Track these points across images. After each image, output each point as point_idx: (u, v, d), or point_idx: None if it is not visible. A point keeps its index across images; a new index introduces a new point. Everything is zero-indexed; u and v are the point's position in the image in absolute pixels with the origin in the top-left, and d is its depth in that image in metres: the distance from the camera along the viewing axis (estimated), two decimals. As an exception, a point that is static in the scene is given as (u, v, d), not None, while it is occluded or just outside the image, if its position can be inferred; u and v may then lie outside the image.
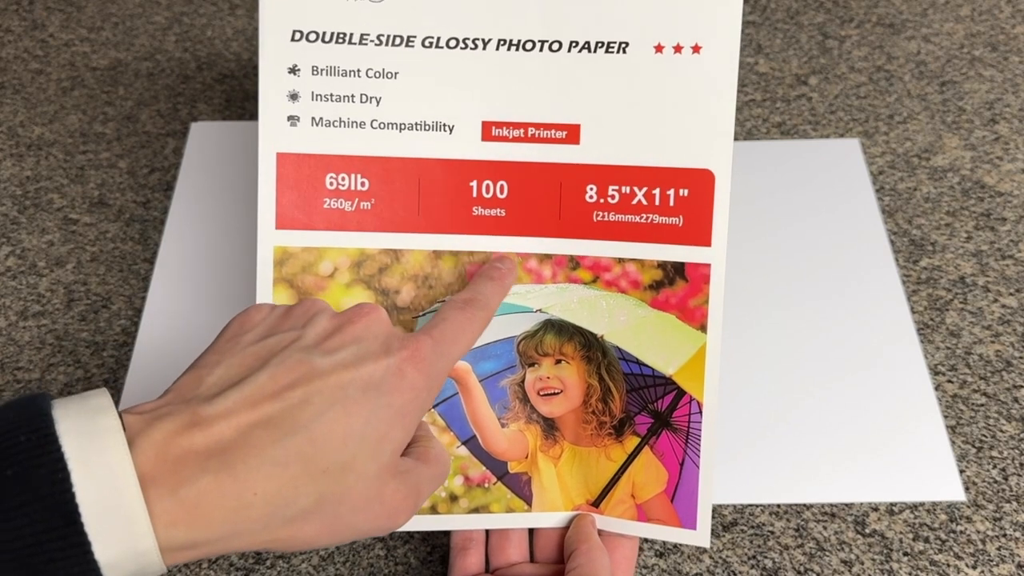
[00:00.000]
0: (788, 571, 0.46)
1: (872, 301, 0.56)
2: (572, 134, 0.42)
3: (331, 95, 0.42)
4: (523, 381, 0.43)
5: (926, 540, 0.47)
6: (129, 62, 0.74)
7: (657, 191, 0.42)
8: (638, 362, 0.43)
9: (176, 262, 0.59)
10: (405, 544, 0.48)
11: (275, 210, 0.42)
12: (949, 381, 0.53)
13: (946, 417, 0.52)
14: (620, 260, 0.43)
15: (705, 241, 0.42)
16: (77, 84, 0.72)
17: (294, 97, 0.42)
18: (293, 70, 0.42)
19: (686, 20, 0.41)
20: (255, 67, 0.73)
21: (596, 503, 0.43)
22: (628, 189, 0.42)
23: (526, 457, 0.43)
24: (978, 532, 0.47)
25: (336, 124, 0.42)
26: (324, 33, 0.42)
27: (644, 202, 0.42)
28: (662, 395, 0.43)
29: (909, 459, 0.50)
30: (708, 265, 0.42)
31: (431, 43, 0.42)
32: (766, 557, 0.47)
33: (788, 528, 0.48)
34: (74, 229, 0.62)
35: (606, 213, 0.42)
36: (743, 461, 0.50)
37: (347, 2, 0.42)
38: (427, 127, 0.42)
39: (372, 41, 0.42)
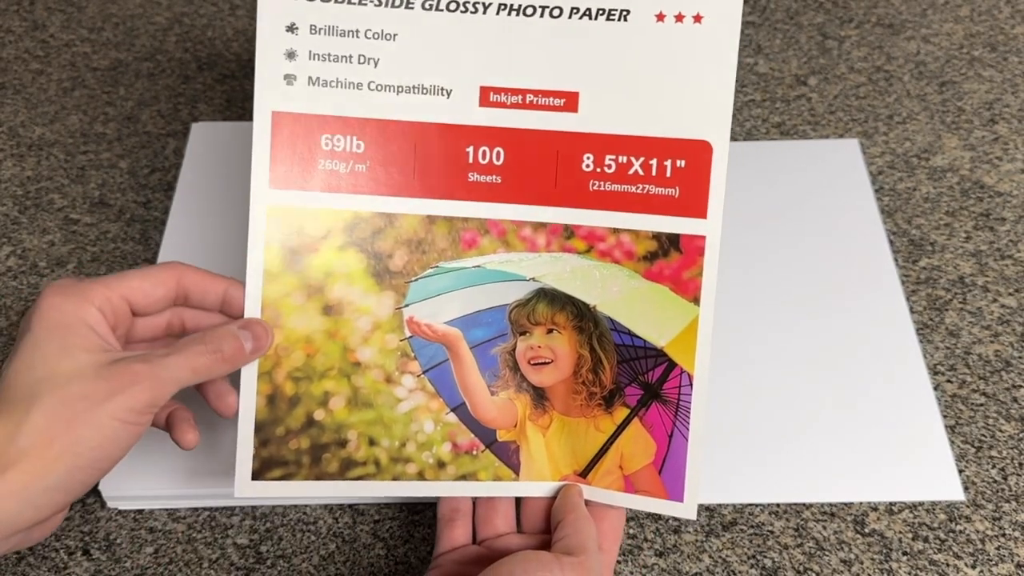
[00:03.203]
0: (788, 570, 0.47)
1: (871, 301, 0.56)
2: (570, 102, 0.42)
3: (329, 55, 0.42)
4: (514, 350, 0.43)
5: (925, 540, 0.47)
6: (130, 62, 0.74)
7: (654, 161, 0.42)
8: (630, 333, 0.43)
9: (177, 262, 0.59)
10: (405, 544, 0.48)
11: (269, 169, 0.42)
12: (948, 381, 0.53)
13: (945, 417, 0.52)
14: (615, 230, 0.43)
15: (701, 213, 0.42)
16: (78, 84, 0.73)
17: (291, 55, 0.41)
18: (291, 28, 0.41)
19: None
20: (255, 67, 0.73)
21: (583, 474, 0.44)
22: (625, 159, 0.42)
23: (515, 426, 0.44)
24: (977, 532, 0.47)
25: (333, 84, 0.42)
26: None
27: (641, 172, 0.42)
28: (653, 367, 0.43)
29: (908, 459, 0.50)
30: (703, 237, 0.42)
31: (431, 6, 0.41)
32: (766, 556, 0.47)
33: (788, 528, 0.48)
34: (75, 229, 0.62)
35: (602, 183, 0.42)
36: (743, 461, 0.50)
37: None
38: (424, 91, 0.42)
39: (372, 2, 0.41)
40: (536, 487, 0.43)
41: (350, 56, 0.42)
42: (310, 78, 0.42)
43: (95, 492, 0.49)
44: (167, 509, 0.49)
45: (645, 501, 0.43)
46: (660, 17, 0.41)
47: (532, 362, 0.43)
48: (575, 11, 0.41)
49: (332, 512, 0.49)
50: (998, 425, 0.51)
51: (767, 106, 0.69)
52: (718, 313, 0.55)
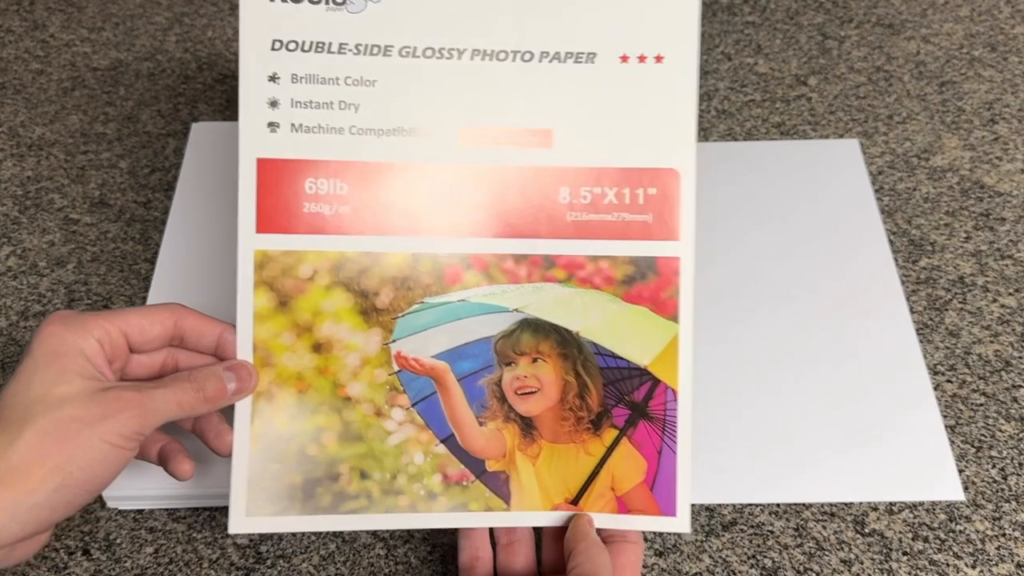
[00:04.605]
0: (787, 570, 0.47)
1: (871, 301, 0.56)
2: (544, 139, 0.44)
3: (310, 102, 0.43)
4: (500, 380, 0.44)
5: (925, 540, 0.47)
6: (130, 62, 0.74)
7: (627, 191, 0.44)
8: (614, 355, 0.44)
9: (177, 262, 0.59)
10: (405, 544, 0.48)
11: (255, 214, 0.44)
12: (948, 381, 0.53)
13: (945, 417, 0.52)
14: (593, 257, 0.44)
15: (674, 236, 0.44)
16: (78, 84, 0.73)
17: (274, 104, 0.43)
18: (273, 78, 0.43)
19: (648, 32, 0.43)
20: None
21: (575, 501, 0.44)
22: (600, 189, 0.44)
23: (504, 456, 0.44)
24: (977, 532, 0.47)
25: (315, 130, 0.43)
26: (303, 42, 0.43)
27: (615, 201, 0.44)
28: (638, 386, 0.44)
29: (908, 459, 0.50)
30: (677, 259, 0.44)
31: (408, 52, 0.43)
32: (766, 556, 0.47)
33: (788, 528, 0.48)
34: (75, 229, 0.62)
35: (579, 213, 0.44)
36: (743, 461, 0.50)
37: (326, 13, 0.43)
38: (404, 133, 0.44)
39: (351, 50, 0.43)
40: (528, 517, 0.44)
41: (331, 102, 0.43)
42: (293, 125, 0.43)
43: (95, 492, 0.49)
44: (167, 509, 0.49)
45: (639, 520, 0.44)
46: (624, 59, 0.43)
47: (519, 392, 0.44)
48: (545, 55, 0.43)
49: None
50: (998, 425, 0.51)
51: (767, 106, 0.69)
52: (718, 314, 0.56)
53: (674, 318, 0.44)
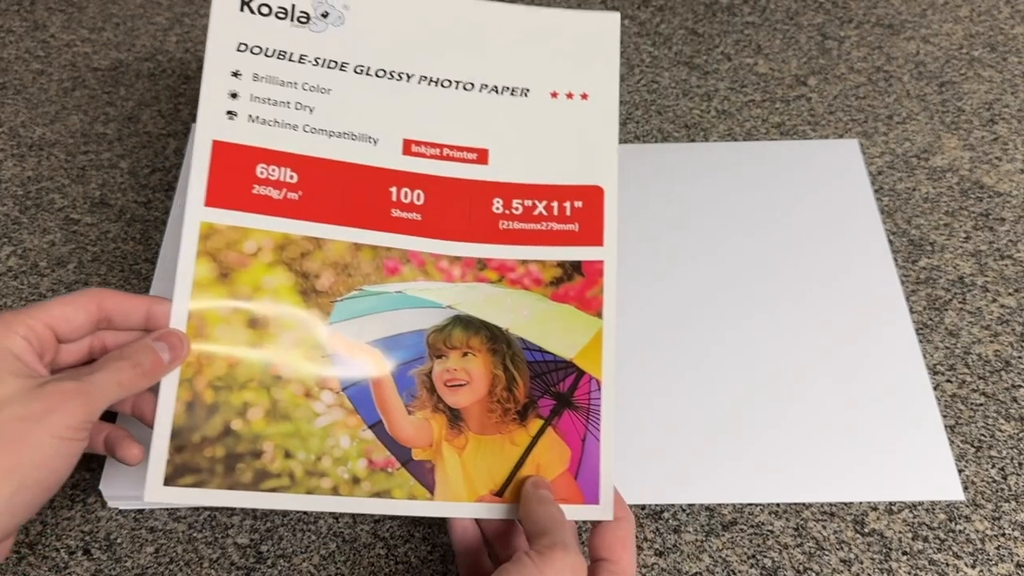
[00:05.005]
0: (787, 570, 0.47)
1: (871, 301, 0.56)
2: (481, 156, 0.47)
3: (269, 99, 0.46)
4: (431, 372, 0.45)
5: (925, 539, 0.47)
6: (130, 63, 0.74)
7: (556, 203, 0.47)
8: (541, 350, 0.46)
9: (177, 262, 0.59)
10: (406, 543, 0.48)
11: (205, 189, 0.45)
12: (948, 381, 0.53)
13: (945, 417, 0.52)
14: (523, 261, 0.47)
15: (598, 242, 0.47)
16: (78, 84, 0.73)
17: (234, 96, 0.46)
18: (236, 74, 0.46)
19: (576, 74, 0.48)
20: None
21: (500, 493, 0.44)
22: (530, 202, 0.47)
23: (431, 445, 0.44)
24: (977, 531, 0.47)
25: (271, 123, 0.46)
26: (267, 49, 0.46)
27: (544, 212, 0.47)
28: (563, 377, 0.45)
29: (908, 458, 0.50)
30: (601, 261, 0.47)
31: (362, 70, 0.47)
32: (765, 556, 0.47)
33: (787, 527, 0.48)
34: (75, 229, 0.63)
35: (511, 222, 0.47)
36: (743, 461, 0.50)
37: (290, 28, 0.47)
38: (354, 137, 0.47)
39: (310, 62, 0.47)
40: (451, 508, 0.44)
41: (288, 102, 0.46)
42: (250, 116, 0.46)
43: (96, 492, 0.50)
44: (167, 509, 0.49)
45: (563, 509, 0.43)
46: (554, 95, 0.48)
47: (448, 384, 0.45)
48: (484, 87, 0.48)
49: (332, 511, 0.49)
50: (998, 425, 0.52)
51: (767, 106, 0.69)
52: (717, 314, 0.56)
53: (598, 314, 0.46)
